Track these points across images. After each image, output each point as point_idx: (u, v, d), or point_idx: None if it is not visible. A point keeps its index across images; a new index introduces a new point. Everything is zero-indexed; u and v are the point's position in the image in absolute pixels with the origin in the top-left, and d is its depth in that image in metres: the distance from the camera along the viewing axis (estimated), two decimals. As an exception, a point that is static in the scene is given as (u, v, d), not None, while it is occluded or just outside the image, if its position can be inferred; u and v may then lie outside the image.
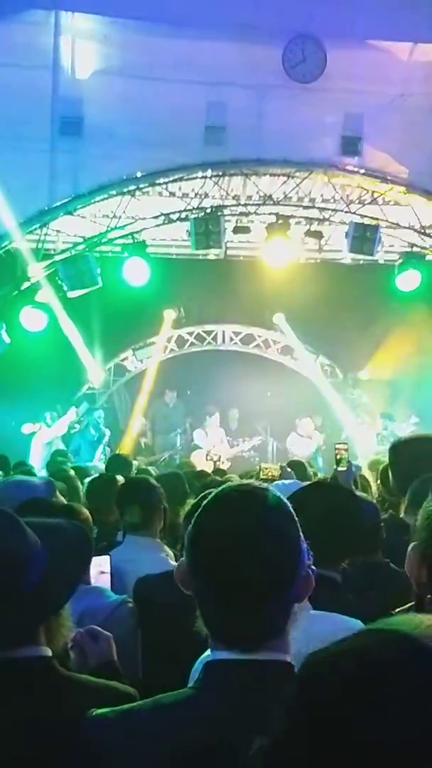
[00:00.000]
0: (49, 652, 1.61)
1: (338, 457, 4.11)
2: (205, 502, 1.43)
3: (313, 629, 1.44)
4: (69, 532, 1.84)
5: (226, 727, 1.25)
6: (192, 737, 1.25)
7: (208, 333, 14.13)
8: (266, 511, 1.37)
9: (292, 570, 1.35)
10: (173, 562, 3.35)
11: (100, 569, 3.04)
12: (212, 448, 12.20)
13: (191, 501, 3.66)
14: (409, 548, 1.53)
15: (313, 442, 12.42)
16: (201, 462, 11.14)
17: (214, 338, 14.19)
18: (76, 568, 1.77)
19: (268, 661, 1.31)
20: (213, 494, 1.44)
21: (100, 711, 1.34)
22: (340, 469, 4.08)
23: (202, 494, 3.13)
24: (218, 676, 1.32)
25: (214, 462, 11.65)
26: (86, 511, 3.11)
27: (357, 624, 2.03)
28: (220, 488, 1.47)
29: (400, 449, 3.49)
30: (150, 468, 7.75)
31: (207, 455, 12.00)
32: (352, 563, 2.48)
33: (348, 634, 2.00)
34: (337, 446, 4.19)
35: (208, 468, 9.67)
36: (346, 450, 4.13)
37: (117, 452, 10.33)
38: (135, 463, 7.53)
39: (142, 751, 1.26)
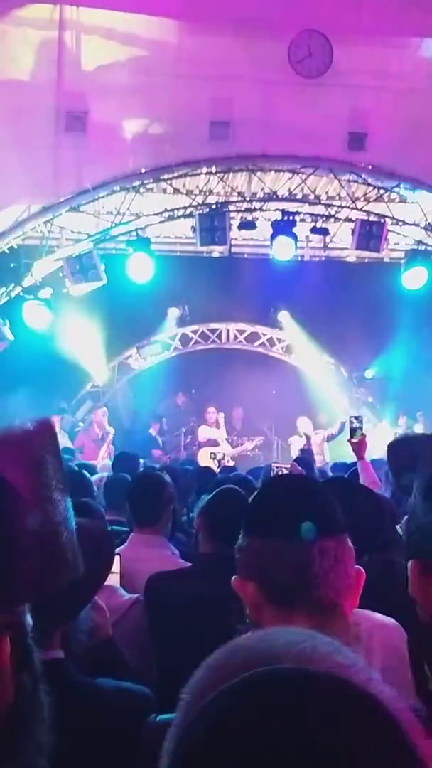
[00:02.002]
0: (62, 655, 1.54)
1: (353, 428, 4.15)
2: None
3: (357, 630, 1.36)
4: (89, 531, 1.76)
5: None
6: None
7: (213, 331, 14.08)
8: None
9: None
10: (181, 561, 3.29)
11: (109, 569, 2.97)
12: (215, 448, 12.13)
13: (205, 497, 3.61)
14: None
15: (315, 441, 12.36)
16: (205, 461, 11.08)
17: (219, 336, 14.13)
18: (99, 570, 1.69)
19: None
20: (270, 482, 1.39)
21: (162, 717, 1.30)
22: (353, 440, 4.11)
23: (220, 489, 3.08)
24: None
25: (219, 461, 11.59)
26: (101, 509, 3.04)
27: (392, 622, 1.97)
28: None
29: (396, 448, 3.49)
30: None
31: (211, 454, 11.94)
32: (370, 560, 2.42)
33: (385, 632, 1.92)
34: (351, 418, 4.24)
35: (213, 467, 9.60)
36: (360, 423, 4.16)
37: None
38: (141, 461, 7.45)
39: None
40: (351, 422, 4.20)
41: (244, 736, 0.54)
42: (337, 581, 1.27)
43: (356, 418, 4.31)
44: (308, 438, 11.94)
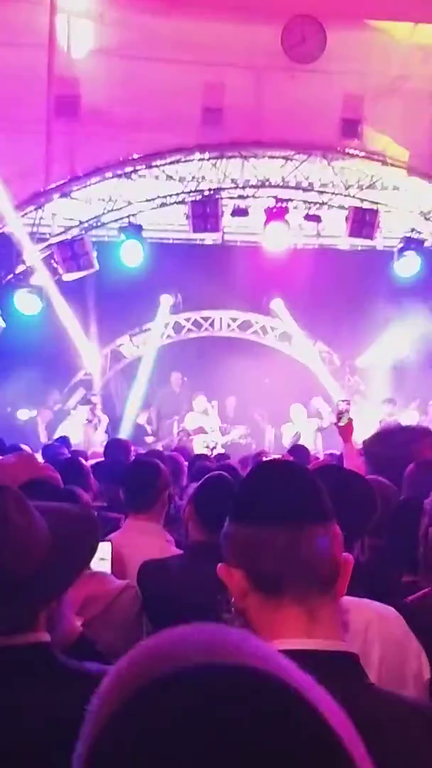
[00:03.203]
0: (48, 638, 1.53)
1: (340, 411, 4.14)
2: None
3: (346, 617, 1.35)
4: (75, 515, 1.76)
5: None
6: None
7: (205, 319, 14.02)
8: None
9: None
10: (174, 549, 3.28)
11: (99, 556, 2.96)
12: (206, 435, 12.12)
13: (193, 484, 3.60)
14: None
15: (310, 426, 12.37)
16: (201, 449, 11.07)
17: (212, 324, 14.08)
18: (82, 553, 1.69)
19: None
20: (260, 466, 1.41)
21: None
22: (340, 424, 4.11)
23: (209, 476, 3.07)
24: None
25: (211, 449, 11.58)
26: (87, 495, 3.02)
27: (391, 611, 1.96)
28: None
29: (373, 441, 3.56)
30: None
31: (204, 443, 11.93)
32: (370, 546, 2.42)
33: (384, 622, 1.91)
34: (339, 402, 4.24)
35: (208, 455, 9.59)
36: (347, 406, 4.16)
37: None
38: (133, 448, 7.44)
39: None
40: (338, 406, 4.20)
41: (150, 747, 0.52)
42: (325, 567, 1.25)
43: (344, 401, 4.31)
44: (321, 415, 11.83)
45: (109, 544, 3.04)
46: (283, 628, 1.23)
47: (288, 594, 1.24)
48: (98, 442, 10.86)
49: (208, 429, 12.33)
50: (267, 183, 9.85)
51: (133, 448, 6.82)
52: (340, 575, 1.27)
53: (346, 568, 1.29)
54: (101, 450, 7.10)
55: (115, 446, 6.24)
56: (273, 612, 1.24)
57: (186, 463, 5.60)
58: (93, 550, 1.75)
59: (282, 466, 1.44)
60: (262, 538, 1.25)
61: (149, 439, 11.71)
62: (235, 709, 0.52)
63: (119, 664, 0.62)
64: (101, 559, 2.97)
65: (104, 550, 2.99)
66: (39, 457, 7.10)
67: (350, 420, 4.14)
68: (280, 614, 1.24)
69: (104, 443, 8.03)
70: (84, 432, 11.08)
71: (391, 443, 3.71)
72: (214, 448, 11.49)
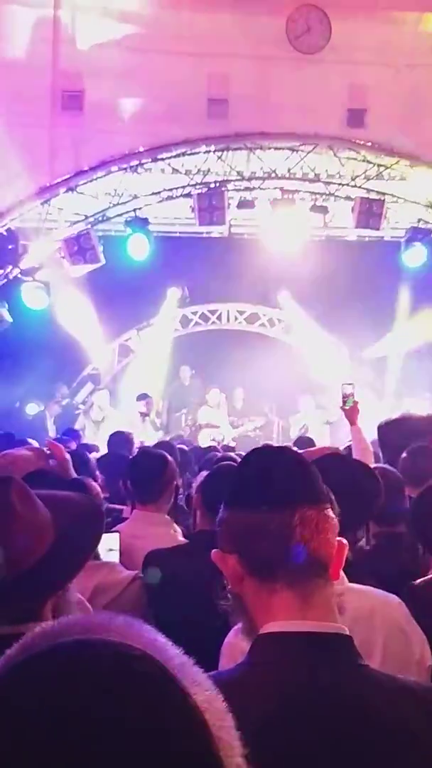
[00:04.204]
0: None
1: (345, 394, 4.16)
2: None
3: (351, 605, 1.36)
4: (79, 505, 1.76)
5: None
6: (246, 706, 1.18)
7: (213, 312, 14.02)
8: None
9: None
10: (182, 539, 3.28)
11: (108, 546, 2.97)
12: (215, 429, 12.13)
13: (202, 473, 3.60)
14: None
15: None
16: (208, 442, 11.08)
17: (219, 317, 14.08)
18: (86, 543, 1.69)
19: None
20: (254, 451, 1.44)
21: None
22: (345, 407, 4.13)
23: (217, 465, 3.07)
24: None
25: (219, 442, 11.59)
26: (97, 486, 3.02)
27: (394, 599, 1.96)
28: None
29: (389, 427, 3.57)
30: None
31: (211, 436, 11.94)
32: (375, 534, 2.42)
33: (387, 609, 1.91)
34: (344, 385, 4.25)
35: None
36: (352, 389, 4.17)
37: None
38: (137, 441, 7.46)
39: None
40: (343, 389, 4.20)
41: (7, 712, 0.54)
42: (319, 550, 1.26)
43: (348, 384, 4.31)
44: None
45: (117, 534, 3.05)
46: (277, 611, 1.24)
47: (282, 578, 1.25)
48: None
49: (219, 422, 12.35)
50: (273, 174, 9.81)
51: (140, 441, 6.84)
52: (334, 559, 1.28)
53: (340, 552, 1.30)
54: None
55: (117, 439, 6.26)
56: (268, 596, 1.25)
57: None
58: (97, 539, 1.75)
59: (274, 452, 1.46)
60: (255, 523, 1.26)
61: (159, 434, 11.73)
62: (85, 678, 0.55)
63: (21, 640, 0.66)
64: (110, 550, 2.98)
65: (113, 540, 3.00)
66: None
67: (355, 403, 4.17)
68: (274, 598, 1.25)
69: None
70: (140, 425, 11.08)
71: (408, 431, 3.69)
72: (221, 441, 11.49)
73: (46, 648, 0.59)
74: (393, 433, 3.59)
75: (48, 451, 3.13)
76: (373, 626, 1.86)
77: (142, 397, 11.44)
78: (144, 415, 11.34)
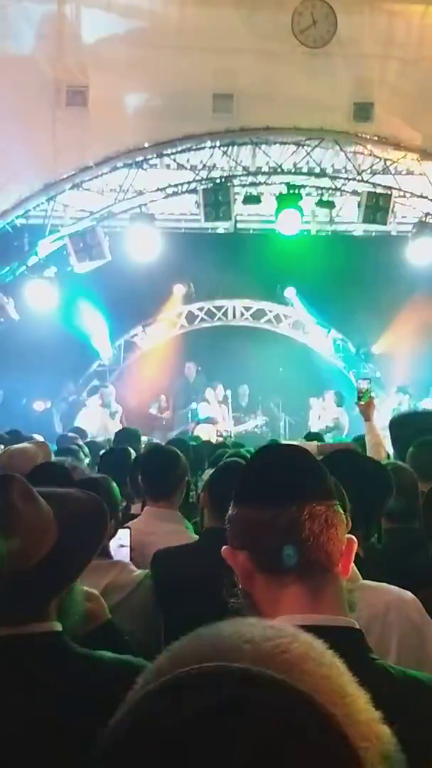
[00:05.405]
0: (60, 628, 1.51)
1: (361, 390, 4.24)
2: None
3: (366, 602, 1.36)
4: (83, 502, 1.74)
5: None
6: None
7: (219, 308, 14.00)
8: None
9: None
10: (193, 536, 3.26)
11: (119, 542, 2.95)
12: (217, 424, 12.10)
13: (209, 471, 3.58)
14: None
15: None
16: (209, 437, 11.06)
17: (225, 314, 14.05)
18: (90, 541, 1.67)
19: None
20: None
21: None
22: (361, 402, 4.21)
23: (224, 461, 3.05)
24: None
25: (224, 438, 11.56)
26: (112, 485, 2.96)
27: (408, 596, 1.94)
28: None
29: (401, 422, 3.60)
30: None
31: (216, 432, 11.91)
32: (389, 530, 2.39)
33: (402, 606, 1.90)
34: (360, 380, 4.34)
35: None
36: (368, 385, 4.26)
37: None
38: (145, 438, 7.45)
39: None
40: (359, 384, 4.27)
41: (154, 746, 0.50)
42: (328, 545, 1.27)
43: (364, 380, 4.36)
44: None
45: (128, 531, 3.03)
46: (287, 605, 1.25)
47: (291, 573, 1.26)
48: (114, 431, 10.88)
49: (219, 419, 12.31)
50: (279, 169, 9.77)
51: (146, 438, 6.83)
52: (343, 555, 1.29)
53: (350, 548, 1.30)
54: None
55: (125, 435, 6.25)
56: (277, 591, 1.27)
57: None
58: (102, 538, 1.73)
59: (282, 449, 1.47)
60: (264, 519, 1.27)
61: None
62: (253, 733, 0.50)
63: (176, 644, 0.62)
64: (121, 546, 2.96)
65: (124, 536, 2.99)
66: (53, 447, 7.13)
67: (371, 398, 4.24)
68: (284, 593, 1.26)
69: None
70: (100, 418, 11.08)
71: (419, 427, 3.70)
72: (221, 436, 11.46)
73: (194, 677, 0.54)
74: (405, 428, 3.59)
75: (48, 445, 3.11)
76: (388, 623, 1.85)
77: (95, 391, 11.49)
78: (102, 406, 11.41)
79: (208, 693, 0.52)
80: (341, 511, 1.31)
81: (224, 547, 1.32)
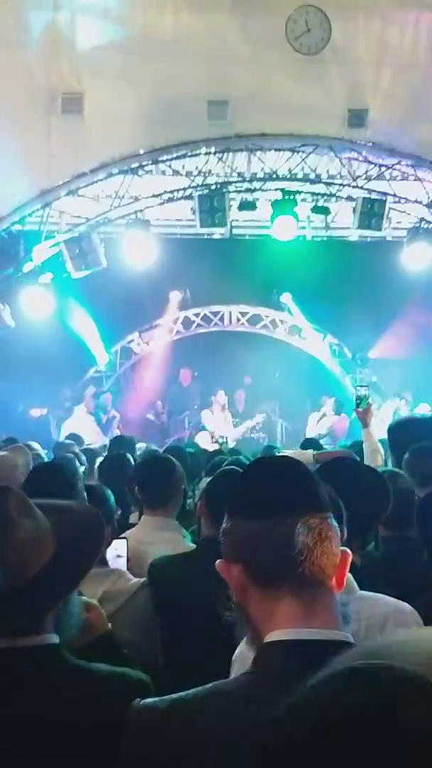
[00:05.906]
0: (57, 640, 1.51)
1: (359, 396, 4.25)
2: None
3: (364, 613, 1.35)
4: (80, 514, 1.73)
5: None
6: (251, 715, 1.16)
7: (215, 314, 13.99)
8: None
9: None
10: (190, 544, 3.26)
11: (116, 553, 2.94)
12: (216, 429, 12.10)
13: (206, 479, 3.58)
14: None
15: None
16: (206, 444, 11.05)
17: (221, 319, 14.05)
18: (87, 553, 1.67)
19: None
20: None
21: (147, 701, 1.29)
22: (360, 409, 4.22)
23: (222, 469, 3.05)
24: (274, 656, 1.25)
25: (220, 444, 11.55)
26: (107, 493, 2.96)
27: (406, 607, 1.94)
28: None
29: (399, 428, 3.62)
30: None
31: (212, 437, 11.91)
32: (385, 538, 2.39)
33: (401, 617, 1.89)
34: (358, 387, 4.36)
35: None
36: (366, 391, 4.27)
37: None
38: (142, 444, 7.43)
39: (200, 731, 1.20)
40: (357, 391, 4.30)
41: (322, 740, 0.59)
42: (322, 558, 1.26)
43: (363, 386, 4.38)
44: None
45: (125, 540, 3.02)
46: (281, 619, 1.25)
47: (285, 586, 1.26)
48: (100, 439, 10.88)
49: (222, 422, 12.31)
50: (274, 176, 9.79)
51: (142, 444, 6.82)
52: (337, 568, 1.28)
53: (344, 561, 1.30)
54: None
55: (119, 442, 6.23)
56: (271, 605, 1.26)
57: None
58: (99, 551, 1.73)
59: (276, 461, 1.46)
60: (258, 532, 1.27)
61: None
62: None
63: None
64: (118, 556, 2.95)
65: (120, 546, 2.98)
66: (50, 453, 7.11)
67: (369, 405, 4.25)
68: (278, 607, 1.26)
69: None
70: (86, 425, 11.07)
71: (417, 433, 3.69)
72: (216, 441, 11.45)
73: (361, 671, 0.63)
74: (403, 434, 3.59)
75: (30, 450, 3.11)
76: (385, 634, 1.84)
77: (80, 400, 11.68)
78: (88, 413, 11.43)
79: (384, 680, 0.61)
80: (335, 524, 1.30)
81: (218, 561, 1.32)
